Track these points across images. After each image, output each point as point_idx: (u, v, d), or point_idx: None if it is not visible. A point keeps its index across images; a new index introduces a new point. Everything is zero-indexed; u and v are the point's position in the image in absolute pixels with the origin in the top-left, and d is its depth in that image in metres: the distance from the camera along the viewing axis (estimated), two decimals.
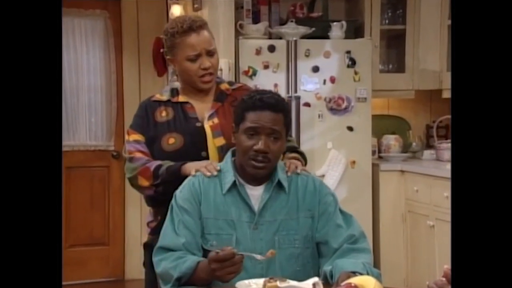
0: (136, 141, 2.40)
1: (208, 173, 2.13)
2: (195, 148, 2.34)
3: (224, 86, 2.47)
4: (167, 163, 2.32)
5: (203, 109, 2.41)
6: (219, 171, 2.14)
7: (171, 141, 2.36)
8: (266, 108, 2.05)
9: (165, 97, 2.45)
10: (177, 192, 2.13)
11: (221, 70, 3.70)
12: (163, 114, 2.40)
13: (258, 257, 1.96)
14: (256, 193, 2.11)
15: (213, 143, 2.33)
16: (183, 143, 2.35)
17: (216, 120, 2.37)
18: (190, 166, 2.23)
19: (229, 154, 2.18)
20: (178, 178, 2.22)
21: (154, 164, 2.33)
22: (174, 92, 2.45)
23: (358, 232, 2.11)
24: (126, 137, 2.45)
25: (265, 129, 2.05)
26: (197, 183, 2.12)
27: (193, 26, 2.34)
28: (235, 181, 2.10)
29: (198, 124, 2.37)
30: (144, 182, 2.34)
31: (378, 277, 1.91)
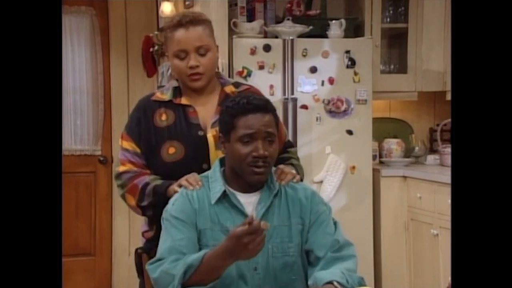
0: (126, 150, 2.35)
1: (191, 187, 2.13)
2: (196, 159, 2.30)
3: (229, 89, 2.41)
4: (154, 181, 2.28)
5: (206, 114, 2.37)
6: (204, 181, 2.14)
7: (172, 150, 2.31)
8: (257, 111, 2.06)
9: (166, 96, 2.38)
10: (169, 206, 2.12)
11: None
12: (163, 118, 2.35)
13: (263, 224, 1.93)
14: (249, 200, 2.12)
15: (216, 154, 2.29)
16: (183, 154, 2.31)
17: None
18: (174, 186, 2.20)
19: (216, 163, 2.19)
20: (165, 200, 2.17)
21: (142, 180, 2.30)
22: (177, 91, 2.39)
23: (342, 238, 2.13)
24: (119, 140, 2.40)
25: (261, 133, 2.06)
26: (190, 194, 2.11)
27: (182, 21, 2.30)
28: (225, 190, 2.10)
29: (201, 133, 2.33)
30: (132, 201, 2.32)
31: (360, 283, 1.97)
